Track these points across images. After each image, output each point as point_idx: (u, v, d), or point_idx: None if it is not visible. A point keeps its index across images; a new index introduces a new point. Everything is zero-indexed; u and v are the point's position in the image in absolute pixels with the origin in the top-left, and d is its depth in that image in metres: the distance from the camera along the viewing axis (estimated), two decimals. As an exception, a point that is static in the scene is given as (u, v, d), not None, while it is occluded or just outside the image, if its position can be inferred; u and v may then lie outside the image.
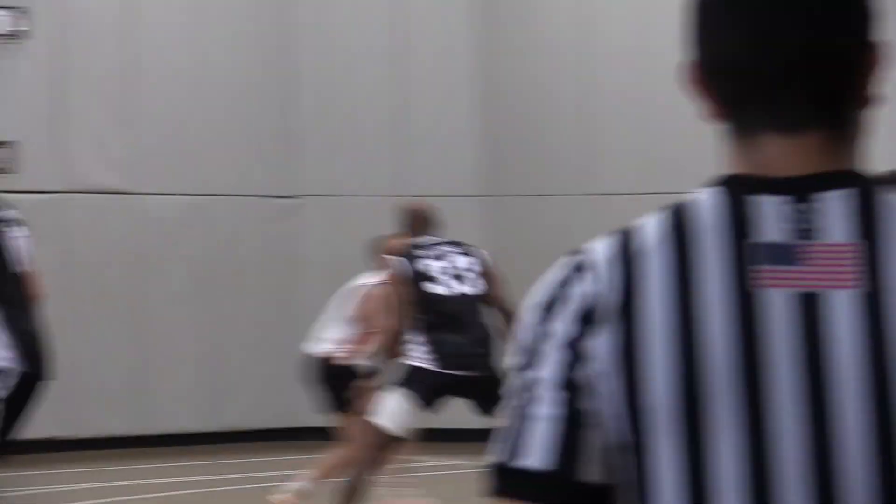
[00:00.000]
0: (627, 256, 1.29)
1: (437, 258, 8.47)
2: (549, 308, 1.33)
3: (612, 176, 13.08)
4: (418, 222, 8.81)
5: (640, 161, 13.09)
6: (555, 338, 1.30)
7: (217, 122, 13.41)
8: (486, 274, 8.33)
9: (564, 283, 1.34)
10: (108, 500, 10.40)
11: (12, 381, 7.39)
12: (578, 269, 1.33)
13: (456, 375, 8.37)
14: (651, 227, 1.28)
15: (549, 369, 1.30)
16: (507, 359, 1.81)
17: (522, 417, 1.31)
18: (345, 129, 13.74)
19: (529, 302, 1.35)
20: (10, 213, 7.66)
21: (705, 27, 1.27)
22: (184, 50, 13.43)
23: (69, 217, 12.44)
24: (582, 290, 1.30)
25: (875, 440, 1.18)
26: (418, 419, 8.23)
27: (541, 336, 1.32)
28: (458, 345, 8.20)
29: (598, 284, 1.28)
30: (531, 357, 1.33)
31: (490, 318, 8.40)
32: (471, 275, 8.34)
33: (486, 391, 8.27)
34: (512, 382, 1.31)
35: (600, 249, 1.29)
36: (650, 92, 13.02)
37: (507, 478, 1.31)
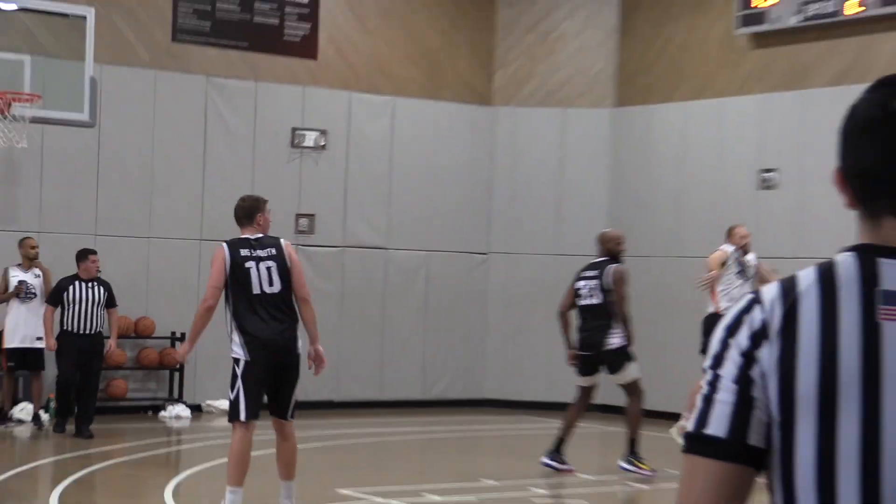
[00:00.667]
0: (787, 295, 1.61)
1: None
2: (732, 328, 1.69)
3: (694, 243, 15.35)
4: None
5: (706, 230, 15.14)
6: (734, 348, 1.65)
7: (441, 200, 16.07)
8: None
9: (743, 312, 1.69)
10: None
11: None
12: (753, 303, 1.69)
13: None
14: (805, 276, 1.61)
15: (728, 369, 1.66)
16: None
17: (710, 401, 1.67)
18: (522, 209, 16.64)
19: (721, 324, 1.72)
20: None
21: (848, 145, 1.63)
22: (423, 153, 16.32)
23: (347, 264, 15.55)
24: (753, 317, 1.66)
25: None
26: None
27: (725, 347, 1.68)
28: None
29: (765, 314, 1.61)
30: (718, 361, 1.69)
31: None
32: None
33: None
34: (704, 377, 1.66)
35: (769, 290, 1.62)
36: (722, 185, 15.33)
37: (697, 442, 1.67)
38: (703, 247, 14.80)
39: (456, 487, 10.39)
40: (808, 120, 14.72)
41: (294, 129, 15.19)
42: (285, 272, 8.04)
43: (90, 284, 12.56)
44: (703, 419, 1.62)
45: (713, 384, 1.63)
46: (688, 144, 16.10)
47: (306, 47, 15.30)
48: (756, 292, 1.66)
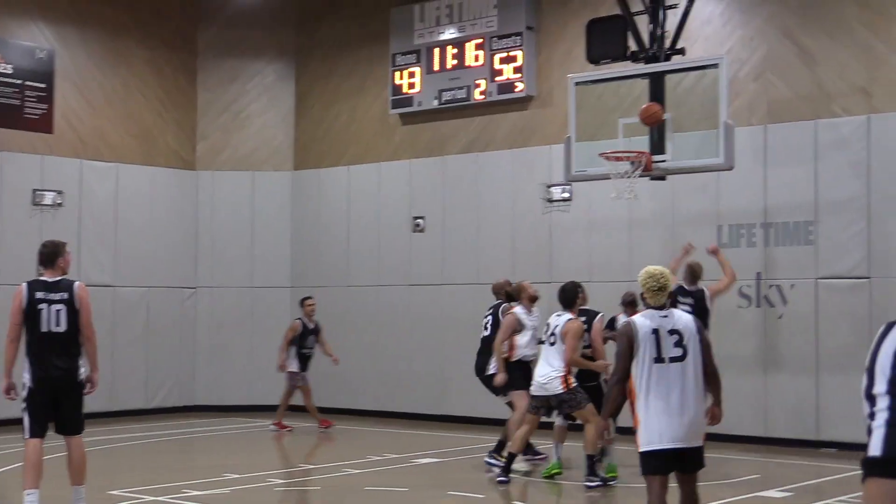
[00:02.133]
0: None
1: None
2: (875, 348, 1.96)
3: (360, 275, 16.62)
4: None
5: (371, 264, 16.44)
6: (882, 367, 1.93)
7: (157, 245, 16.38)
8: None
9: (883, 335, 1.92)
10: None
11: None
12: (890, 326, 1.92)
13: None
14: None
15: (880, 387, 1.94)
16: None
17: (872, 423, 1.86)
18: (222, 252, 17.14)
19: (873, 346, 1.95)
20: None
21: None
22: (142, 209, 16.34)
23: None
24: (893, 337, 1.96)
25: None
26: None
27: (871, 367, 1.97)
28: None
29: None
30: (871, 379, 1.98)
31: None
32: None
33: None
34: (884, 402, 1.76)
35: None
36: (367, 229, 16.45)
37: (866, 464, 1.95)
38: (369, 277, 16.72)
39: (208, 482, 10.29)
40: (447, 178, 16.13)
41: (34, 191, 15.56)
42: (73, 314, 8.02)
43: None
44: (870, 443, 1.72)
45: (872, 404, 1.76)
46: (354, 198, 17.10)
47: (43, 123, 15.82)
48: (894, 320, 1.78)
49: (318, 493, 10.73)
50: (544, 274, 14.48)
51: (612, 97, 13.05)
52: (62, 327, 8.03)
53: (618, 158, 12.11)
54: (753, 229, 13.59)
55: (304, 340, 14.82)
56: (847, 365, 12.57)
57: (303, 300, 15.09)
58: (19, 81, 15.66)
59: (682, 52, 12.70)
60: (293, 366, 14.86)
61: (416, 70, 16.37)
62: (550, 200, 15.20)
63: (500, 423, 12.69)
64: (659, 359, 6.28)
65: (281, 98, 18.06)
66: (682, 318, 6.53)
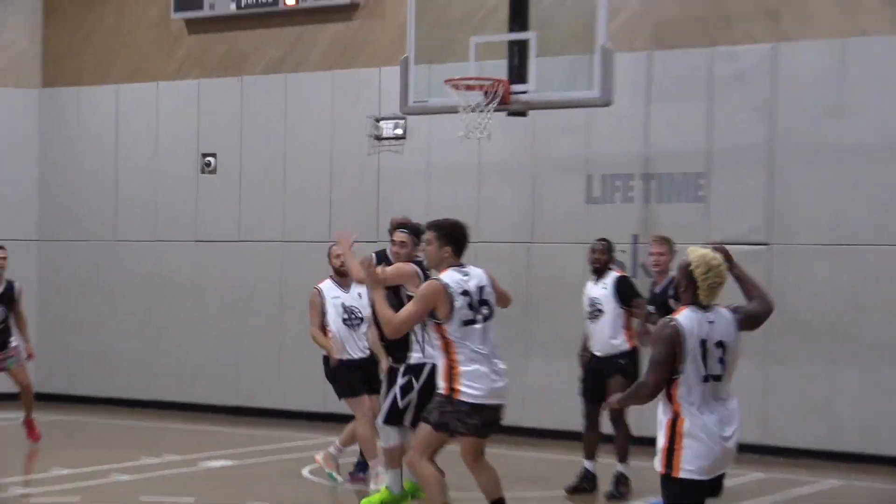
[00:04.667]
0: None
1: None
2: None
3: (131, 227, 16.73)
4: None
5: (147, 214, 16.65)
6: None
7: None
8: None
9: None
10: None
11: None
12: None
13: None
14: None
15: None
16: None
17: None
18: None
19: None
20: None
21: None
22: None
23: None
24: None
25: None
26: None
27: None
28: None
29: None
30: None
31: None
32: None
33: None
34: None
35: None
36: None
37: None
38: (143, 230, 16.36)
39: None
40: (246, 105, 16.12)
41: None
42: None
43: None
44: None
45: None
46: (122, 128, 16.85)
47: None
48: None
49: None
50: (370, 231, 14.26)
51: (461, 8, 13.54)
52: None
53: (468, 87, 12.39)
54: (631, 181, 13.99)
55: None
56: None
57: None
58: None
59: (550, -40, 12.73)
60: None
61: (210, -39, 16.16)
62: (379, 138, 15.26)
63: (315, 417, 14.00)
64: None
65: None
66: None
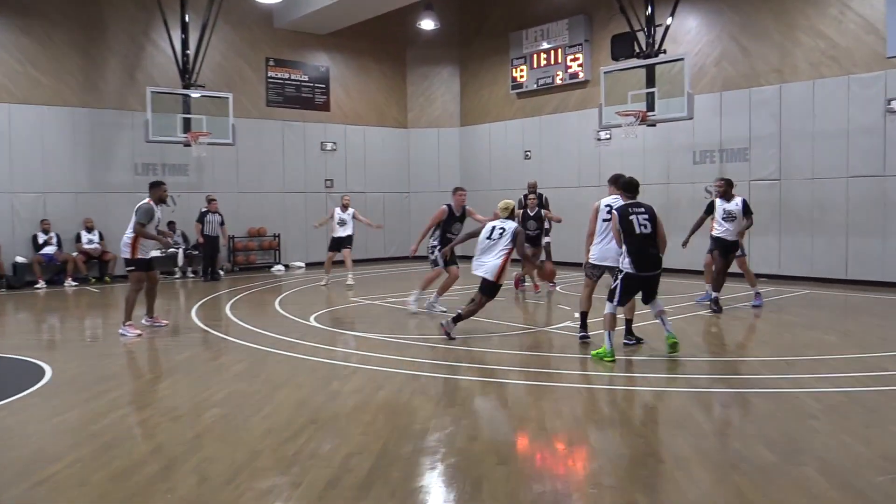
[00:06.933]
0: None
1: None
2: None
3: None
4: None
5: None
6: None
7: None
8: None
9: None
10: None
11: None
12: None
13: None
14: None
15: None
16: None
17: None
18: None
19: None
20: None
21: None
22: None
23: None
24: None
25: None
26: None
27: None
28: None
29: None
30: None
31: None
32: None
33: None
34: None
35: None
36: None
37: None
38: None
39: None
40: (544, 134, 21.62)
41: (321, 142, 24.05)
42: None
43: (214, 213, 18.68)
44: None
45: None
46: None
47: (324, 106, 24.33)
48: None
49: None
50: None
51: (634, 78, 17.59)
52: None
53: (626, 114, 17.51)
54: (714, 153, 19.06)
55: None
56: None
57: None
58: (311, 84, 24.29)
59: (664, 51, 18.08)
60: None
61: (524, 67, 24.04)
62: (599, 139, 21.40)
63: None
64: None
65: (451, 85, 25.80)
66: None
